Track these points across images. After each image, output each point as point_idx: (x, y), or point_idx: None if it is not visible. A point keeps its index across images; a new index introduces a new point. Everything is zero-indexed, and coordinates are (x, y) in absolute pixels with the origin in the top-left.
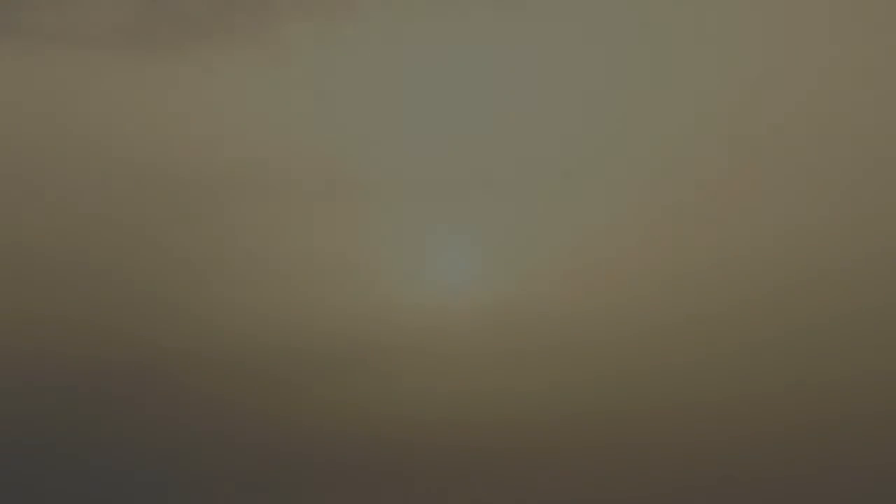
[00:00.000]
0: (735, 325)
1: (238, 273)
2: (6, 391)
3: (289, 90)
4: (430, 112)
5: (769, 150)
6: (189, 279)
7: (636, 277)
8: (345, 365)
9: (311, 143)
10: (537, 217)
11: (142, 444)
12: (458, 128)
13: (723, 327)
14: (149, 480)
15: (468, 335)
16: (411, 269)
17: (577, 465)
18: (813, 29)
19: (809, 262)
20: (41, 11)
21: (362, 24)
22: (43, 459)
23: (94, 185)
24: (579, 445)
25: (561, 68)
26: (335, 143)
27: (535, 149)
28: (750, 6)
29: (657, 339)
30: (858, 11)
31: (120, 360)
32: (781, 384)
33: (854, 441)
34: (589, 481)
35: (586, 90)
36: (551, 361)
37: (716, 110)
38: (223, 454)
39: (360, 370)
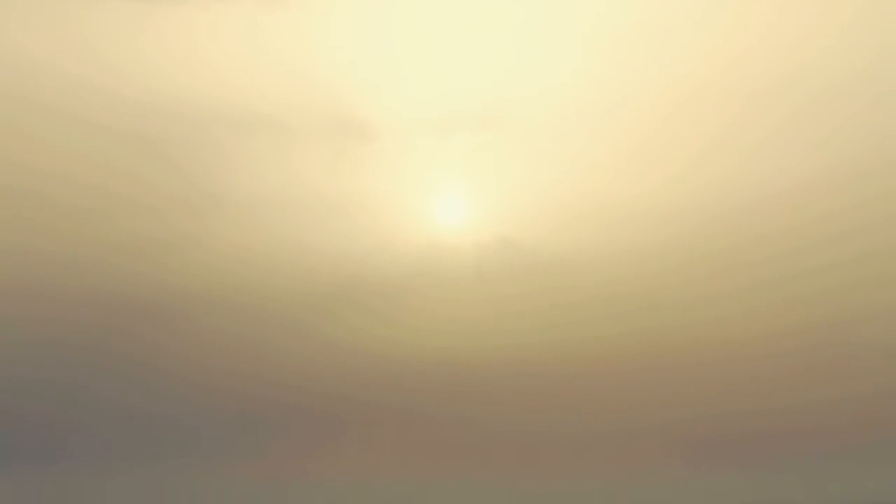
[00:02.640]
0: (733, 263)
1: (238, 212)
2: (15, 324)
3: (290, 31)
4: (430, 54)
5: (769, 97)
6: (190, 218)
7: (634, 216)
8: (346, 302)
9: (312, 84)
10: (537, 156)
11: (145, 377)
12: (458, 69)
13: (722, 264)
14: (153, 411)
15: (469, 273)
16: (412, 208)
17: (577, 395)
18: None
19: (804, 208)
20: None
21: None
22: (50, 390)
23: (98, 128)
24: (578, 377)
25: (557, 9)
26: (336, 84)
27: (534, 89)
28: None
29: (653, 274)
30: None
31: (124, 297)
32: (777, 322)
33: (853, 372)
34: (586, 410)
35: (585, 31)
36: (552, 297)
37: (716, 57)
38: (226, 389)
39: (362, 308)
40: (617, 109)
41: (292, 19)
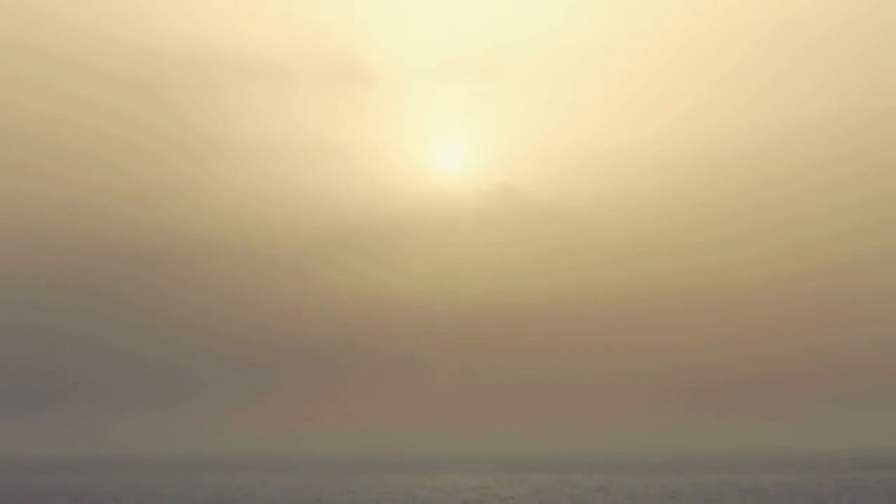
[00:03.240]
0: (733, 209)
1: (238, 157)
2: (16, 269)
3: None
4: (430, 1)
5: (769, 43)
6: (190, 163)
7: (634, 162)
8: (346, 247)
9: (312, 31)
10: (537, 104)
11: (146, 321)
12: (458, 16)
13: (721, 211)
14: (154, 355)
15: (470, 218)
16: (412, 154)
17: (576, 339)
18: None
19: (804, 154)
20: None
21: None
22: (52, 335)
23: (99, 73)
24: (577, 321)
25: None
26: (336, 31)
27: (534, 37)
28: None
29: (652, 220)
30: None
31: (125, 242)
32: (777, 268)
33: (855, 318)
34: (585, 354)
35: None
36: (551, 243)
37: (716, 2)
38: (227, 334)
39: (362, 253)
40: (617, 56)
41: None
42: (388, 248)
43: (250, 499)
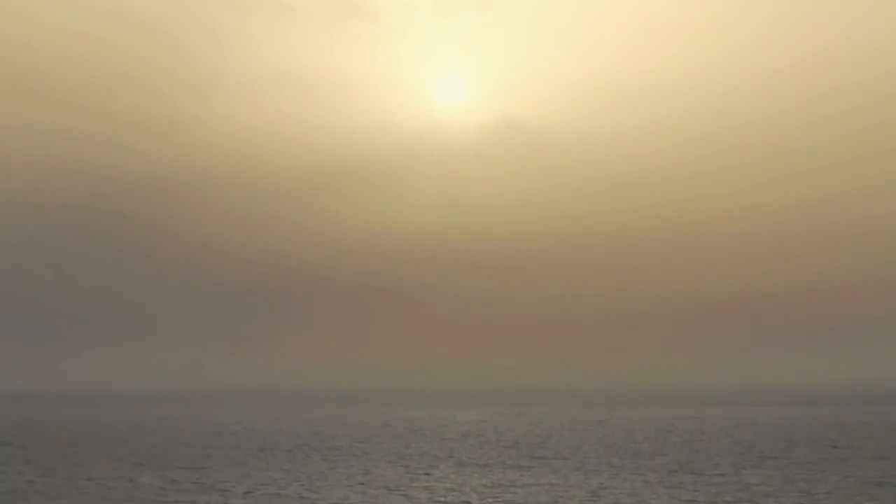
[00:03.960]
0: (734, 141)
1: (240, 91)
2: (31, 196)
3: None
4: None
5: None
6: (193, 97)
7: (636, 94)
8: (348, 179)
9: None
10: (538, 36)
11: (152, 249)
12: None
13: (722, 142)
14: (160, 282)
15: (470, 152)
16: (413, 88)
17: (577, 269)
18: None
19: (805, 86)
20: None
21: None
22: (59, 263)
23: (103, 8)
24: (577, 252)
25: None
26: None
27: None
28: None
29: (654, 152)
30: None
31: (132, 172)
32: (777, 198)
33: (850, 246)
34: (585, 284)
35: None
36: (552, 175)
37: None
38: (230, 261)
39: (364, 185)
40: None
41: None
42: (389, 181)
43: (250, 431)
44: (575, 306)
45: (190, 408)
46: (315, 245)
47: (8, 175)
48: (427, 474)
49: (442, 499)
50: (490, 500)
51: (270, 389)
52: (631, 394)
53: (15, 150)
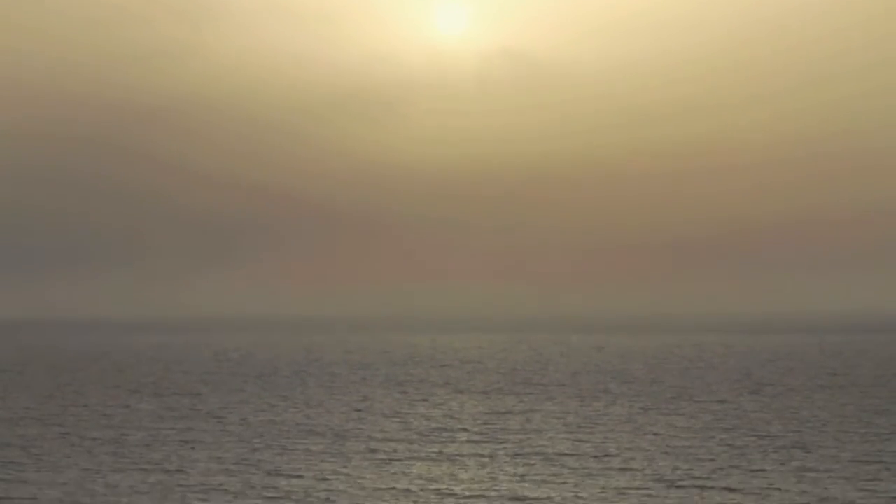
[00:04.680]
0: (748, 73)
1: (234, 21)
2: (24, 124)
3: None
4: None
5: None
6: (187, 27)
7: (644, 25)
8: (345, 110)
9: None
10: None
11: (147, 179)
12: None
13: (736, 75)
14: (156, 212)
15: (472, 83)
16: (413, 17)
17: (580, 202)
18: None
19: (824, 18)
20: None
21: None
22: (57, 194)
23: None
24: (580, 184)
25: None
26: None
27: None
28: None
29: (661, 85)
30: None
31: (127, 101)
32: (790, 129)
33: (863, 178)
34: (589, 216)
35: None
36: (555, 108)
37: None
38: (226, 191)
39: (362, 116)
40: None
41: None
42: (387, 113)
43: (247, 358)
44: (577, 236)
45: (187, 335)
46: (311, 176)
47: (2, 106)
48: (425, 400)
49: (439, 426)
50: (487, 427)
51: (268, 316)
52: (631, 321)
53: (10, 82)
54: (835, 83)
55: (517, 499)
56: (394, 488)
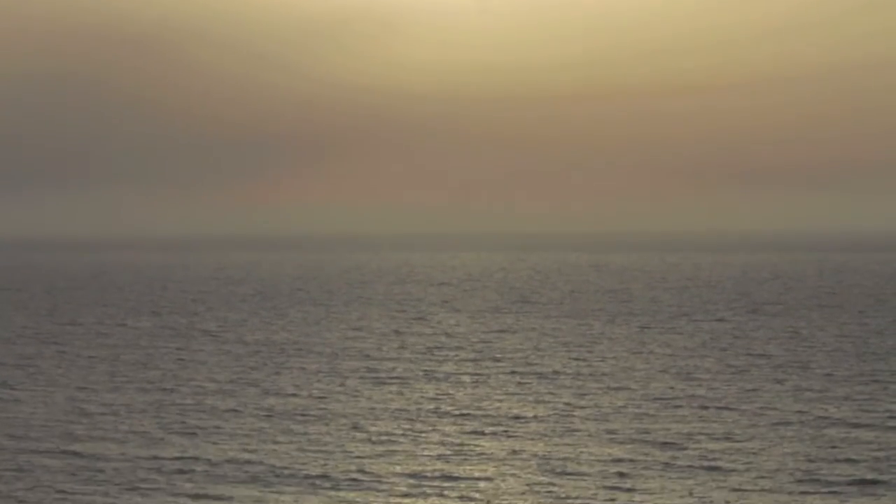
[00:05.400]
0: (764, 8)
1: None
2: (12, 54)
3: None
4: None
5: None
6: None
7: None
8: (335, 39)
9: None
10: None
11: (137, 105)
12: None
13: (747, 6)
14: (142, 135)
15: (470, 3)
16: None
17: (579, 128)
18: None
19: None
20: None
21: None
22: (48, 118)
23: None
24: (576, 111)
25: None
26: None
27: None
28: None
29: (673, 16)
30: None
31: (115, 29)
32: (799, 63)
33: (873, 113)
34: (588, 143)
35: None
36: (557, 31)
37: None
38: (217, 121)
39: (358, 38)
40: None
41: None
42: (386, 33)
43: (246, 277)
44: (577, 156)
45: (185, 254)
46: (300, 102)
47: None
48: (422, 319)
49: (435, 345)
50: (483, 345)
51: (267, 235)
52: (631, 240)
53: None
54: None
55: (513, 418)
56: (390, 408)
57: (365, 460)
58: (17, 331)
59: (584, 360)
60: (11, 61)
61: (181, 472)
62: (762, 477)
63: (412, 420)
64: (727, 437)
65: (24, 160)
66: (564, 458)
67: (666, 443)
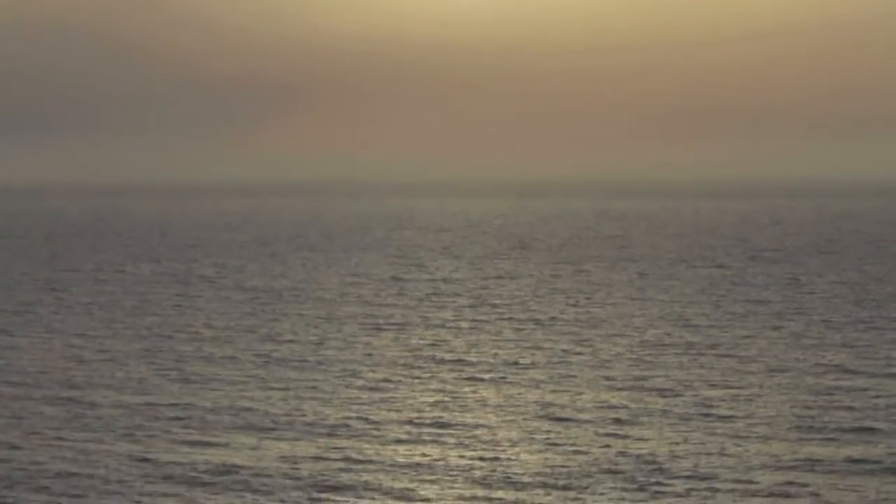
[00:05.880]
0: None
1: None
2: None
3: None
4: None
5: None
6: None
7: None
8: None
9: None
10: None
11: (125, 52)
12: None
13: None
14: (135, 84)
15: None
16: None
17: (582, 71)
18: None
19: None
20: None
21: None
22: (38, 67)
23: None
24: (582, 69)
25: None
26: None
27: None
28: None
29: None
30: None
31: None
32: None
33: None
34: (589, 83)
35: None
36: None
37: None
38: (216, 69)
39: None
40: None
41: None
42: None
43: (246, 223)
44: (580, 106)
45: (184, 201)
46: (286, 50)
47: None
48: (421, 266)
49: (433, 291)
50: (481, 291)
51: (265, 182)
52: (632, 187)
53: None
54: None
55: (511, 364)
56: (387, 354)
57: (362, 407)
58: (15, 278)
59: (583, 306)
60: (7, 10)
61: (177, 419)
62: (759, 424)
63: (410, 367)
64: (724, 384)
65: (22, 107)
66: (562, 405)
67: (663, 389)
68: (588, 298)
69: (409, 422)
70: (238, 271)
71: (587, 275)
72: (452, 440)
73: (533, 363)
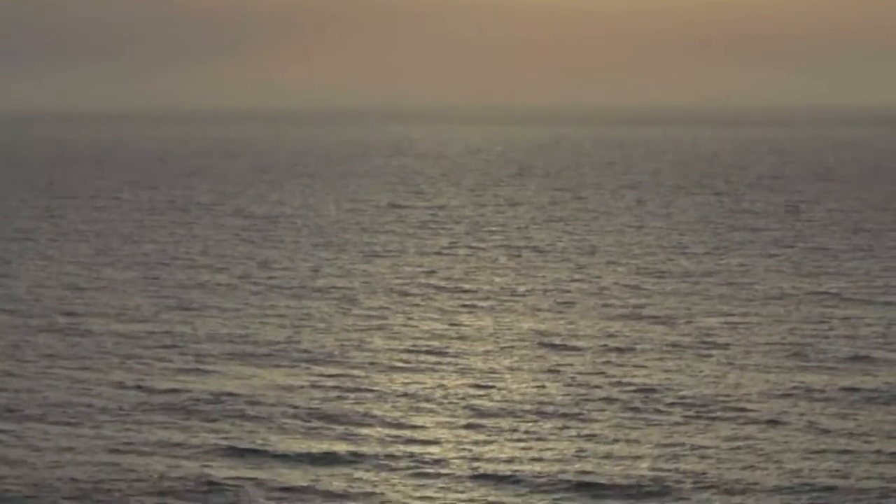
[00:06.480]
0: None
1: None
2: None
3: None
4: None
5: None
6: None
7: None
8: None
9: None
10: None
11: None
12: None
13: None
14: (147, 18)
15: None
16: None
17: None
18: None
19: None
20: None
21: None
22: None
23: None
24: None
25: None
26: None
27: None
28: None
29: None
30: None
31: None
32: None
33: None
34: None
35: None
36: None
37: None
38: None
39: None
40: None
41: None
42: None
43: (243, 151)
44: (578, 30)
45: (182, 127)
46: None
47: None
48: (419, 193)
49: (430, 219)
50: (478, 219)
51: (264, 109)
52: (633, 113)
53: None
54: None
55: (509, 292)
56: (384, 282)
57: (358, 335)
58: (13, 205)
59: (581, 234)
60: None
61: (173, 346)
62: (756, 352)
63: (407, 294)
64: (721, 312)
65: (22, 34)
66: (559, 333)
67: (660, 317)
68: (586, 226)
69: (406, 350)
70: (235, 198)
71: (586, 202)
72: (449, 368)
73: (530, 291)
